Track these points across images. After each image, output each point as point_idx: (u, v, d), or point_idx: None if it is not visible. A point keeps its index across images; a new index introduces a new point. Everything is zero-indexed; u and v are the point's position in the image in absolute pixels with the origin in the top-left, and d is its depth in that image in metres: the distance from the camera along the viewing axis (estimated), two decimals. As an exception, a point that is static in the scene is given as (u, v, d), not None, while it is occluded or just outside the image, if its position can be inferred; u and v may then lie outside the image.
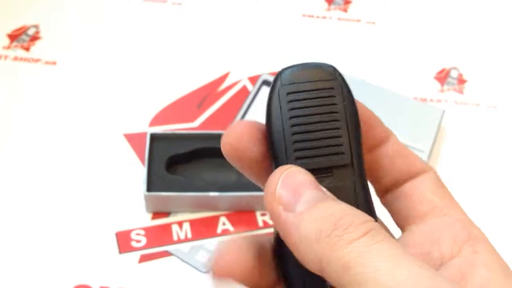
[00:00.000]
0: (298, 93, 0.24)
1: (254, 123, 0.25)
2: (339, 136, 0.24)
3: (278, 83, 0.25)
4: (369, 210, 0.24)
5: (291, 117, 0.24)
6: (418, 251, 0.25)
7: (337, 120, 0.24)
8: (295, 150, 0.24)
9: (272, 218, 0.23)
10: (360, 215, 0.22)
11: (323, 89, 0.25)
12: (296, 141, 0.24)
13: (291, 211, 0.22)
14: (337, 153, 0.24)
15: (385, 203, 0.27)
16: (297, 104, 0.24)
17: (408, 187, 0.27)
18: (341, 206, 0.22)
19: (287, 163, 0.24)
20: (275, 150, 0.24)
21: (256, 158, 0.25)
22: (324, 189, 0.23)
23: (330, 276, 0.21)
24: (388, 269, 0.20)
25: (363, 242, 0.20)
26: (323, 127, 0.24)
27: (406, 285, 0.19)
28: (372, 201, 0.25)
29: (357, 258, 0.20)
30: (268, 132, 0.25)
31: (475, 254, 0.23)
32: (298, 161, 0.24)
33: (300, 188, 0.22)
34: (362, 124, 0.25)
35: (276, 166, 0.24)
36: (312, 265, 0.21)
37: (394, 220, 0.27)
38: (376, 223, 0.22)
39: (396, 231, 0.27)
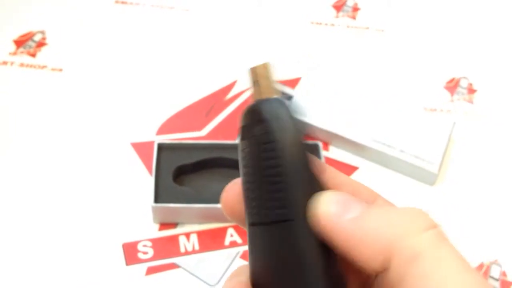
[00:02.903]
0: (246, 150, 0.24)
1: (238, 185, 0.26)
2: (281, 191, 0.23)
3: (240, 133, 0.25)
4: (320, 269, 0.23)
5: (244, 174, 0.24)
6: None
7: (281, 175, 0.23)
8: (250, 206, 0.24)
9: (322, 230, 0.23)
10: (425, 212, 0.22)
11: (267, 142, 0.24)
12: (249, 197, 0.24)
13: (347, 216, 0.22)
14: (281, 207, 0.23)
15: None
16: (247, 162, 0.24)
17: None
18: (398, 207, 0.23)
19: (247, 216, 0.24)
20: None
21: None
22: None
23: (394, 266, 0.21)
24: (459, 271, 0.20)
25: (435, 233, 0.21)
26: (269, 181, 0.24)
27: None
28: (327, 262, 0.23)
29: (429, 249, 0.21)
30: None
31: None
32: (252, 216, 0.24)
33: (347, 201, 0.23)
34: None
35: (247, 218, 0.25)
36: (375, 257, 0.21)
37: None
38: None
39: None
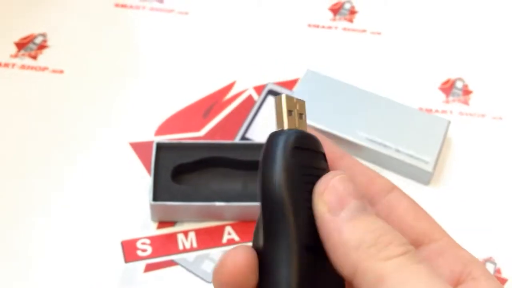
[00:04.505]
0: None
1: (245, 251, 0.24)
2: None
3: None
4: None
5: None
6: None
7: None
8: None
9: (315, 216, 0.24)
10: (400, 237, 0.23)
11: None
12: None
13: (335, 215, 0.23)
14: None
15: None
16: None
17: (382, 212, 0.27)
18: (383, 224, 0.23)
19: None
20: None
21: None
22: (366, 202, 0.24)
23: (360, 284, 0.22)
24: None
25: (402, 260, 0.22)
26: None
27: None
28: None
29: (394, 273, 0.21)
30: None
31: (475, 281, 0.24)
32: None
33: (347, 196, 0.24)
34: None
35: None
36: (345, 270, 0.22)
37: None
38: (413, 247, 0.23)
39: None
